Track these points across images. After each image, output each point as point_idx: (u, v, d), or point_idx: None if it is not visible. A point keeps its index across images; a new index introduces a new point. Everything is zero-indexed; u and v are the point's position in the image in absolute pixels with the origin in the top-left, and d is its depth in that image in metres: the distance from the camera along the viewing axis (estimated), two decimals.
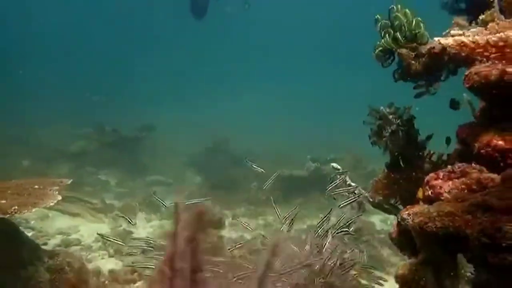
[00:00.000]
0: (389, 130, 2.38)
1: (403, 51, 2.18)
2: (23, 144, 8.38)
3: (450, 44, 1.38)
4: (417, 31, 2.19)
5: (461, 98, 2.25)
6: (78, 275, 3.74)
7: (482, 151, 1.86)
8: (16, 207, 3.10)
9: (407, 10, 2.22)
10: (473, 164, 1.86)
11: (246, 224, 3.51)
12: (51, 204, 3.33)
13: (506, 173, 1.62)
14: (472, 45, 1.31)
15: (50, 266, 3.61)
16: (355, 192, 2.58)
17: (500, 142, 1.72)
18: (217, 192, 6.59)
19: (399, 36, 2.19)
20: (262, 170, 3.39)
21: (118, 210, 5.59)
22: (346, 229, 2.43)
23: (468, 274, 1.41)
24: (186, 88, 15.33)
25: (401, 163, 2.44)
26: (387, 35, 2.25)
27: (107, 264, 4.26)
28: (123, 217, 4.68)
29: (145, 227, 5.38)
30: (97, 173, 7.38)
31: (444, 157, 2.34)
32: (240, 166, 7.87)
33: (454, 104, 2.19)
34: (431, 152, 2.42)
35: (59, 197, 3.44)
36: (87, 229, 5.00)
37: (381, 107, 2.39)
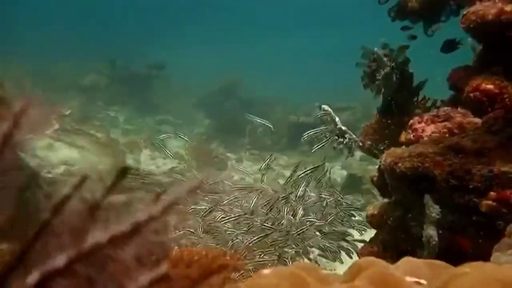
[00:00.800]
0: (382, 73, 2.27)
1: None
2: (38, 75, 8.44)
3: None
4: None
5: (465, 41, 2.12)
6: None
7: (470, 95, 1.76)
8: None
9: None
10: (458, 109, 1.77)
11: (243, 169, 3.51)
12: (47, 132, 3.34)
13: (487, 116, 1.53)
14: None
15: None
16: (346, 136, 2.52)
17: (489, 86, 1.61)
18: (224, 135, 6.59)
19: None
20: (263, 122, 3.26)
21: (122, 145, 5.63)
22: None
23: (434, 214, 1.36)
24: (205, 23, 14.75)
25: (393, 108, 2.35)
26: None
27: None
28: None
29: (148, 164, 5.44)
30: (107, 108, 7.41)
31: (438, 104, 2.24)
32: (249, 111, 7.82)
33: (448, 46, 2.05)
34: (426, 98, 2.32)
35: (57, 126, 3.44)
36: (90, 161, 5.06)
37: (375, 48, 2.27)
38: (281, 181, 5.40)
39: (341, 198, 2.62)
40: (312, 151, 2.50)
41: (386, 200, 1.71)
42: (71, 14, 13.24)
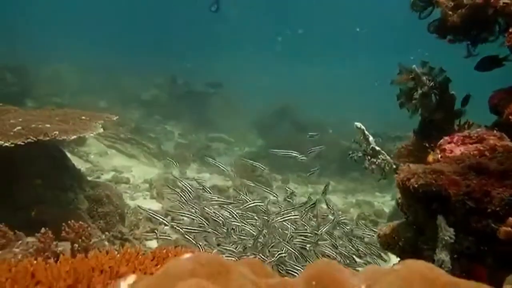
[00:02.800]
0: (421, 92, 2.13)
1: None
2: (105, 87, 8.93)
3: None
4: None
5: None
6: (115, 208, 3.92)
7: (510, 117, 1.60)
8: (57, 132, 3.25)
9: None
10: (494, 131, 1.60)
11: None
12: (91, 134, 3.46)
13: None
14: None
15: (89, 195, 3.79)
16: (379, 157, 2.37)
17: None
18: (274, 156, 6.53)
19: None
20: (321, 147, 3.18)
21: (171, 157, 5.75)
22: None
23: (447, 238, 1.21)
24: (266, 48, 14.97)
25: (432, 130, 2.19)
26: None
27: (148, 204, 4.40)
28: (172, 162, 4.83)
29: (194, 178, 5.48)
30: (164, 122, 7.64)
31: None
32: (302, 133, 7.73)
33: (487, 64, 1.89)
34: (469, 121, 2.14)
35: (101, 130, 3.54)
36: (138, 170, 5.21)
37: (414, 66, 2.14)
38: (325, 207, 5.24)
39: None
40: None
41: (399, 221, 1.57)
42: (142, 34, 13.96)
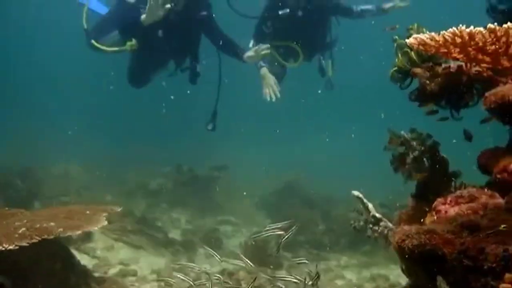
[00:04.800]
0: (412, 157, 2.17)
1: (418, 70, 2.02)
2: (111, 181, 9.06)
3: (411, 42, 1.24)
4: None
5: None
6: None
7: (498, 176, 1.63)
8: (62, 229, 3.28)
9: (424, 29, 2.06)
10: (485, 190, 1.63)
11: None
12: (95, 228, 3.48)
13: (509, 195, 1.38)
14: (432, 43, 1.16)
15: None
16: (381, 224, 2.37)
17: None
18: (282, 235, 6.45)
19: (413, 55, 2.04)
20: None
21: (178, 245, 5.70)
22: None
23: None
24: (261, 126, 15.33)
25: (428, 193, 2.20)
26: (402, 55, 2.10)
27: None
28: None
29: (203, 263, 5.39)
30: (170, 210, 7.64)
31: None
32: (310, 209, 7.70)
33: (468, 135, 1.97)
34: (464, 183, 2.16)
35: (105, 223, 3.57)
36: (145, 261, 5.14)
37: (402, 132, 2.21)
38: (339, 282, 5.08)
39: None
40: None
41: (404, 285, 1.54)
42: (146, 125, 14.38)
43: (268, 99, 5.07)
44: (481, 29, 1.06)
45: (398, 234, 1.35)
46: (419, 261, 1.28)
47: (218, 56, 5.48)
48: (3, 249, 2.87)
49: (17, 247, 2.94)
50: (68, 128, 12.58)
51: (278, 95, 5.02)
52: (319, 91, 6.26)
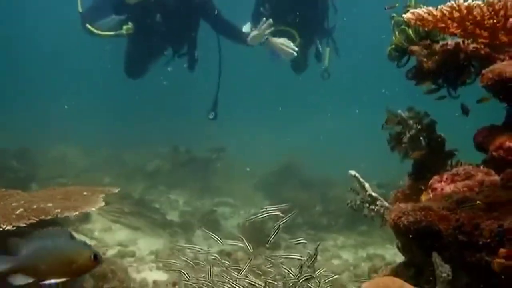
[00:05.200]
0: (408, 135, 2.17)
1: (415, 48, 2.00)
2: (110, 163, 9.07)
3: (408, 17, 1.21)
4: None
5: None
6: (120, 283, 3.86)
7: (494, 153, 1.61)
8: (59, 210, 3.27)
9: (421, 6, 2.03)
10: (481, 167, 1.62)
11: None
12: (92, 209, 3.47)
13: (505, 172, 1.38)
14: (430, 18, 1.13)
15: (94, 272, 3.74)
16: (377, 203, 2.37)
17: None
18: (280, 216, 6.48)
19: (411, 33, 2.01)
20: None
21: (176, 226, 5.73)
22: None
23: (444, 275, 1.19)
24: (263, 105, 15.28)
25: (426, 172, 2.20)
26: (400, 32, 2.07)
27: (154, 276, 4.33)
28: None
29: (201, 245, 5.42)
30: (168, 192, 7.66)
31: None
32: (308, 190, 7.72)
33: (465, 110, 1.95)
34: (460, 161, 2.15)
35: (102, 203, 3.56)
36: (143, 242, 5.16)
37: (399, 111, 2.19)
38: (336, 262, 5.12)
39: None
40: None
41: (399, 262, 1.55)
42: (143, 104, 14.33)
43: (287, 57, 5.05)
44: (479, 2, 1.04)
45: (394, 212, 1.35)
46: (415, 238, 1.28)
47: (217, 41, 5.39)
48: (1, 229, 2.87)
49: (14, 228, 2.94)
50: (66, 109, 12.56)
51: (296, 48, 4.91)
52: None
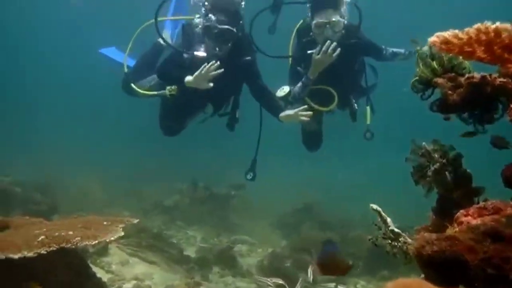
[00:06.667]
0: (433, 169, 2.13)
1: (440, 80, 1.99)
2: (129, 197, 9.14)
3: (433, 41, 1.22)
4: (455, 61, 1.99)
5: None
6: None
7: None
8: (79, 238, 3.29)
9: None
10: (510, 202, 1.58)
11: None
12: (112, 238, 3.48)
13: None
14: (455, 41, 1.14)
15: None
16: (400, 239, 2.31)
17: None
18: (298, 255, 6.37)
19: (436, 65, 2.02)
20: None
21: (193, 262, 5.68)
22: None
23: None
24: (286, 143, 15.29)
25: (451, 208, 2.15)
26: (424, 64, 2.08)
27: None
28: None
29: (217, 282, 5.35)
30: (186, 228, 7.63)
31: None
32: (328, 230, 7.60)
33: (496, 143, 1.91)
34: (488, 199, 2.10)
35: (122, 233, 3.57)
36: (159, 277, 5.12)
37: (423, 143, 2.17)
38: None
39: None
40: None
41: None
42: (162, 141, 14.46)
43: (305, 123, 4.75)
44: (508, 25, 1.04)
45: (417, 241, 1.32)
46: (439, 269, 1.24)
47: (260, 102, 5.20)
48: (22, 256, 2.90)
49: (35, 255, 2.96)
50: (86, 141, 12.78)
51: (310, 113, 4.57)
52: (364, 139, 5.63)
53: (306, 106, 4.61)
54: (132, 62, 5.51)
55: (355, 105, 5.40)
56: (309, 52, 4.87)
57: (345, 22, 4.87)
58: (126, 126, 16.11)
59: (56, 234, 3.23)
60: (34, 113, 17.77)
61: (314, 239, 7.01)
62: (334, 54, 4.69)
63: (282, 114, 4.70)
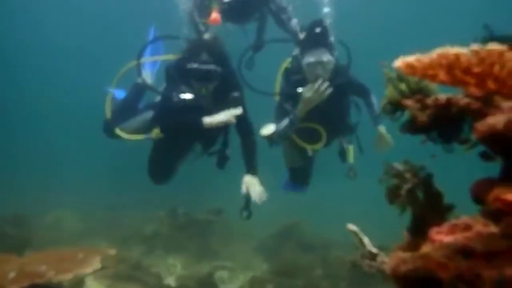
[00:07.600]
0: (405, 189, 2.15)
1: (408, 102, 2.03)
2: (106, 227, 8.93)
3: (398, 65, 1.24)
4: (422, 84, 2.04)
5: None
6: None
7: (492, 206, 1.61)
8: (53, 272, 3.20)
9: None
10: (479, 219, 1.60)
11: None
12: (88, 271, 3.39)
13: (504, 221, 1.36)
14: (419, 65, 1.16)
15: None
16: (377, 259, 2.31)
17: (510, 196, 1.47)
18: (279, 279, 6.31)
19: (404, 87, 2.06)
20: None
21: None
22: None
23: None
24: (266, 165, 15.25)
25: (424, 226, 2.17)
26: (393, 86, 2.12)
27: None
28: None
29: None
30: (166, 256, 7.48)
31: None
32: (309, 253, 7.57)
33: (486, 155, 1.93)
34: (459, 216, 2.12)
35: (99, 266, 3.49)
36: None
37: (395, 163, 2.19)
38: None
39: None
40: None
41: None
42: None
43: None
44: (467, 49, 1.07)
45: (392, 260, 1.32)
46: (415, 287, 1.24)
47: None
48: None
49: None
50: (60, 174, 12.49)
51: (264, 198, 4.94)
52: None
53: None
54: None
55: (344, 145, 5.36)
56: (299, 90, 4.78)
57: (335, 61, 4.81)
58: (100, 155, 15.86)
59: (28, 269, 3.14)
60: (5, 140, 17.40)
61: (296, 262, 6.97)
62: (326, 93, 4.66)
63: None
